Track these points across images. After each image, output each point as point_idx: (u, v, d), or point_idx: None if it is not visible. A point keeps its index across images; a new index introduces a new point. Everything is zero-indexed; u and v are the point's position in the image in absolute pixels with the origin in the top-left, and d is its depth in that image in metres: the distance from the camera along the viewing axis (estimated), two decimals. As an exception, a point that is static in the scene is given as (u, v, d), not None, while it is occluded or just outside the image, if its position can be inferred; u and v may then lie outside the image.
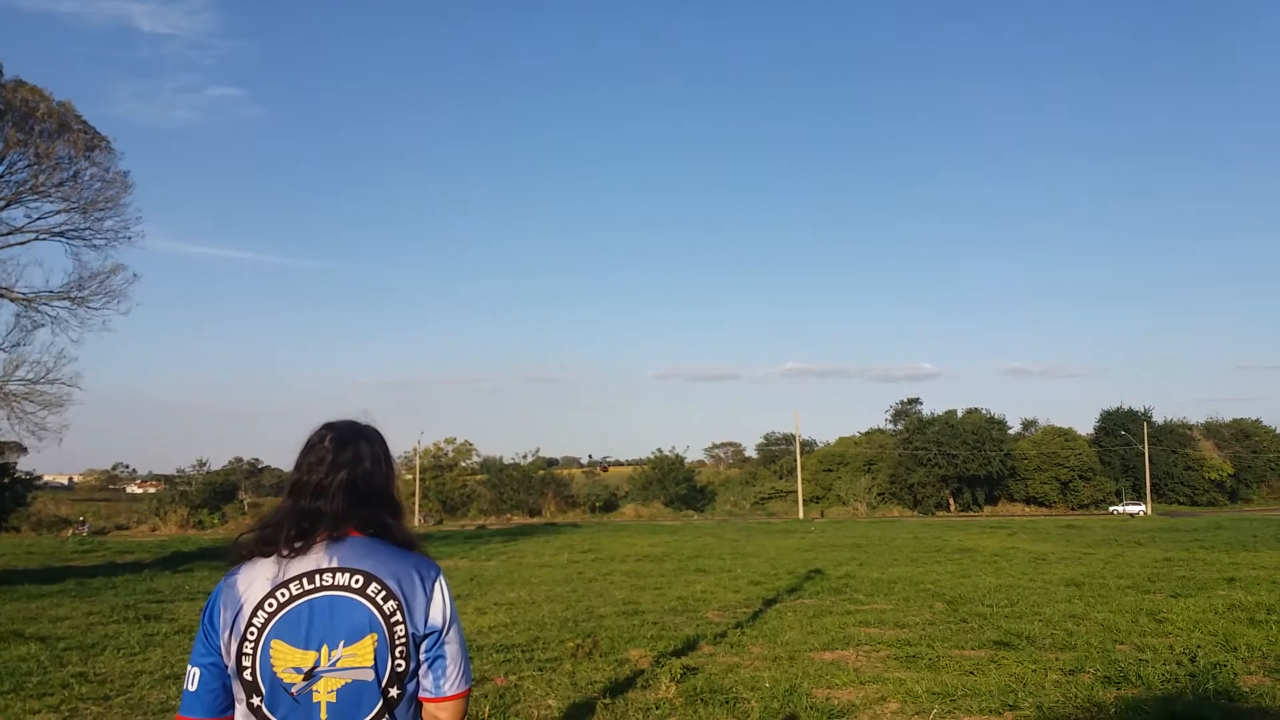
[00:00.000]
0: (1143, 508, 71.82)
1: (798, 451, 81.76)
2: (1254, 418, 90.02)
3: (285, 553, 2.08)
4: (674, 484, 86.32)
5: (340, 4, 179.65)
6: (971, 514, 76.74)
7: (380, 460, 2.25)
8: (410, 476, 79.42)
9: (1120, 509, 71.56)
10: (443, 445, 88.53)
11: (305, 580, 2.06)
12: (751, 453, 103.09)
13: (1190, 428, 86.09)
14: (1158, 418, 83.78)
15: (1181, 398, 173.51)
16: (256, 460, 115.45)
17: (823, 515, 73.46)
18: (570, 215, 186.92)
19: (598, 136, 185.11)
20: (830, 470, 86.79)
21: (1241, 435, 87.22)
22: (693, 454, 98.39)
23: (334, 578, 2.07)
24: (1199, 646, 9.82)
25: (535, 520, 75.23)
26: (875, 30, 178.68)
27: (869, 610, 13.62)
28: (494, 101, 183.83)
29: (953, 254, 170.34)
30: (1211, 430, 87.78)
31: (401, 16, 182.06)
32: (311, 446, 2.22)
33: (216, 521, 75.48)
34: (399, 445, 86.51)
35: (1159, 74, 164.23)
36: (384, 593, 2.06)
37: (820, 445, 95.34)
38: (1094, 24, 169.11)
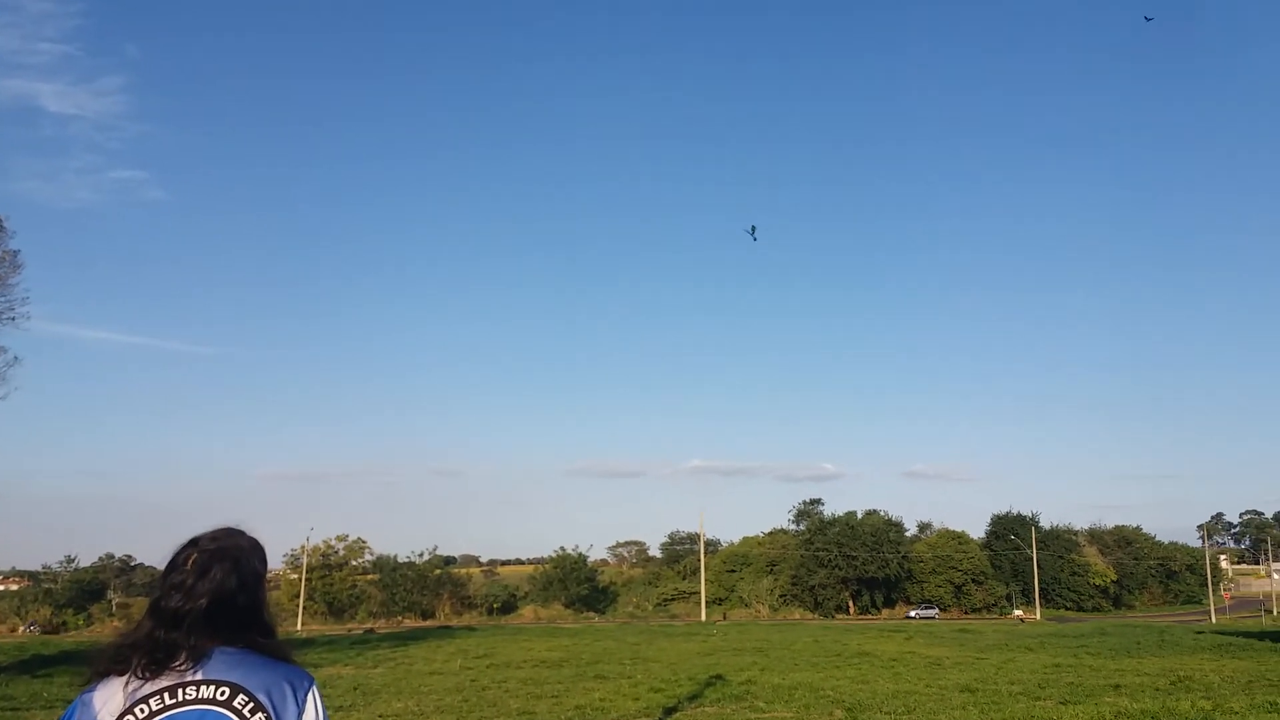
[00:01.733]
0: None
1: (702, 552, 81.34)
2: (1135, 524, 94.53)
3: (138, 673, 1.98)
4: (575, 584, 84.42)
5: (253, 92, 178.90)
6: (870, 616, 77.32)
7: (247, 584, 2.14)
8: (296, 577, 75.53)
9: (1020, 613, 74.36)
10: (333, 543, 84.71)
11: (167, 695, 1.96)
12: (655, 552, 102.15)
13: (1075, 533, 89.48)
14: (1045, 522, 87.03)
15: (1067, 503, 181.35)
16: (129, 557, 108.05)
17: (725, 617, 72.75)
18: (481, 307, 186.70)
19: (509, 226, 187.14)
20: (734, 571, 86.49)
21: (1123, 542, 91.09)
22: (596, 553, 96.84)
23: (198, 690, 1.97)
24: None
25: (429, 623, 72.17)
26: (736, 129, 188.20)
27: (769, 718, 13.36)
28: (395, 192, 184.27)
29: (855, 357, 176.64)
30: (1095, 536, 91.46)
31: (313, 108, 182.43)
32: (173, 567, 2.11)
33: (81, 622, 69.96)
34: (286, 543, 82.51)
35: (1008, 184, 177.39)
36: (251, 704, 1.97)
37: (724, 545, 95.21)
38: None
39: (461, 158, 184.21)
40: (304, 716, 2.04)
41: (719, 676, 19.94)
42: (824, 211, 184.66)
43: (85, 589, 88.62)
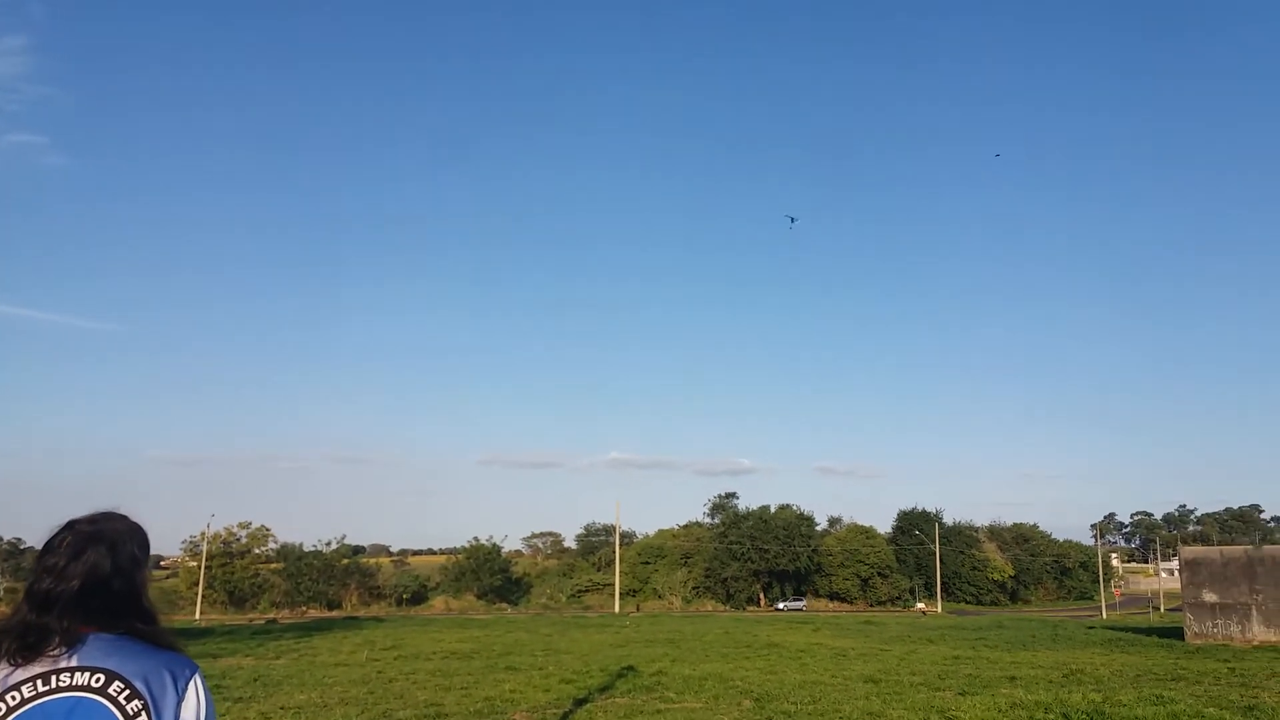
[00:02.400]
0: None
1: (617, 543, 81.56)
2: (1032, 522, 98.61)
3: (11, 661, 1.93)
4: (489, 575, 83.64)
5: (161, 57, 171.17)
6: (780, 609, 78.80)
7: (124, 569, 2.06)
8: (195, 564, 72.77)
9: (922, 606, 76.51)
10: (235, 530, 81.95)
11: (40, 682, 1.91)
12: (571, 543, 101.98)
13: (976, 530, 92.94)
14: (948, 519, 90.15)
15: (968, 499, 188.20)
16: (18, 540, 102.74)
17: (639, 609, 73.15)
18: (395, 293, 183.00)
19: (428, 215, 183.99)
20: (648, 563, 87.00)
21: (1021, 539, 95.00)
22: (510, 543, 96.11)
23: (72, 678, 1.92)
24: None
25: (335, 614, 70.49)
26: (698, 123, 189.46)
27: (679, 709, 13.41)
28: (305, 164, 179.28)
29: (772, 355, 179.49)
30: (994, 533, 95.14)
31: (224, 78, 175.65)
32: (48, 550, 2.05)
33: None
34: (184, 529, 79.46)
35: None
36: (127, 691, 1.92)
37: (640, 537, 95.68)
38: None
39: (363, 129, 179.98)
40: (184, 705, 1.98)
41: (631, 668, 19.95)
42: (745, 209, 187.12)
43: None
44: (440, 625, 44.02)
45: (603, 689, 16.22)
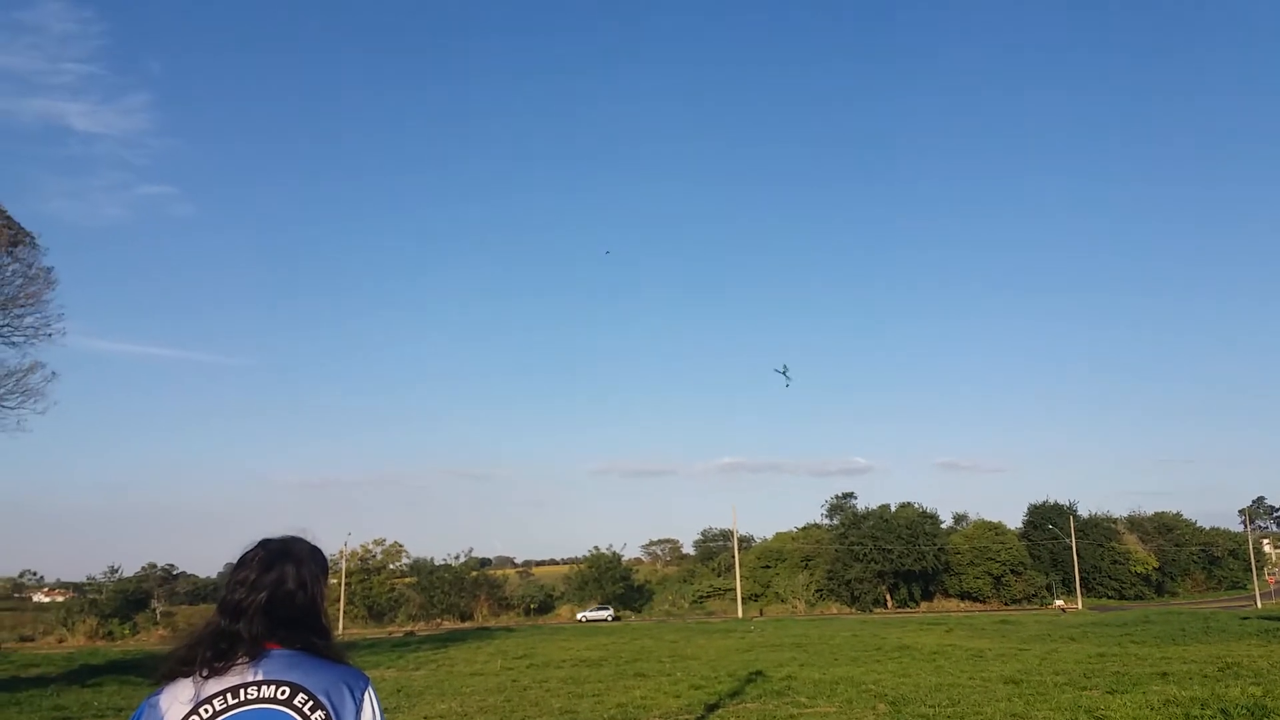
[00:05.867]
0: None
1: (735, 548, 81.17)
2: (1175, 511, 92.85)
3: (204, 673, 2.08)
4: (611, 583, 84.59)
5: (277, 103, 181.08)
6: (908, 610, 76.65)
7: (306, 583, 2.28)
8: (335, 581, 76.31)
9: (1061, 603, 72.97)
10: (371, 547, 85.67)
11: (229, 695, 2.06)
12: (689, 549, 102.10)
13: (1114, 521, 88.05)
14: (1082, 511, 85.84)
15: (1104, 490, 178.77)
16: (171, 566, 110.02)
17: (761, 614, 72.54)
18: (504, 312, 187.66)
19: (531, 236, 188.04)
20: (768, 567, 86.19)
21: (1164, 529, 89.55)
22: (630, 551, 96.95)
23: (259, 690, 2.07)
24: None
25: (467, 625, 72.64)
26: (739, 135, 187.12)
27: (813, 713, 13.34)
28: (415, 202, 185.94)
29: (882, 352, 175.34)
30: (1135, 524, 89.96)
31: (337, 119, 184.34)
32: (241, 564, 2.27)
33: (127, 632, 71.09)
34: (324, 548, 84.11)
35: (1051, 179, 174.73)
36: (311, 703, 2.06)
37: (758, 541, 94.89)
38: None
39: (486, 166, 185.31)
40: (361, 715, 2.13)
41: (759, 673, 19.91)
42: (844, 211, 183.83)
43: (130, 599, 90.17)
44: (568, 633, 44.86)
45: (733, 694, 16.27)
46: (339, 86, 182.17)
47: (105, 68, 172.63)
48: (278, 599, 2.20)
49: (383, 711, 2.20)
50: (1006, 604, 79.09)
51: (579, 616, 76.70)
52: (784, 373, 34.67)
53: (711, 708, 14.49)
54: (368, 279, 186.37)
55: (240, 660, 2.11)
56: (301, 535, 2.40)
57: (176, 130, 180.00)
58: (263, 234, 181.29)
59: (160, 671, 2.15)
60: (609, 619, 73.51)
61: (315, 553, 2.38)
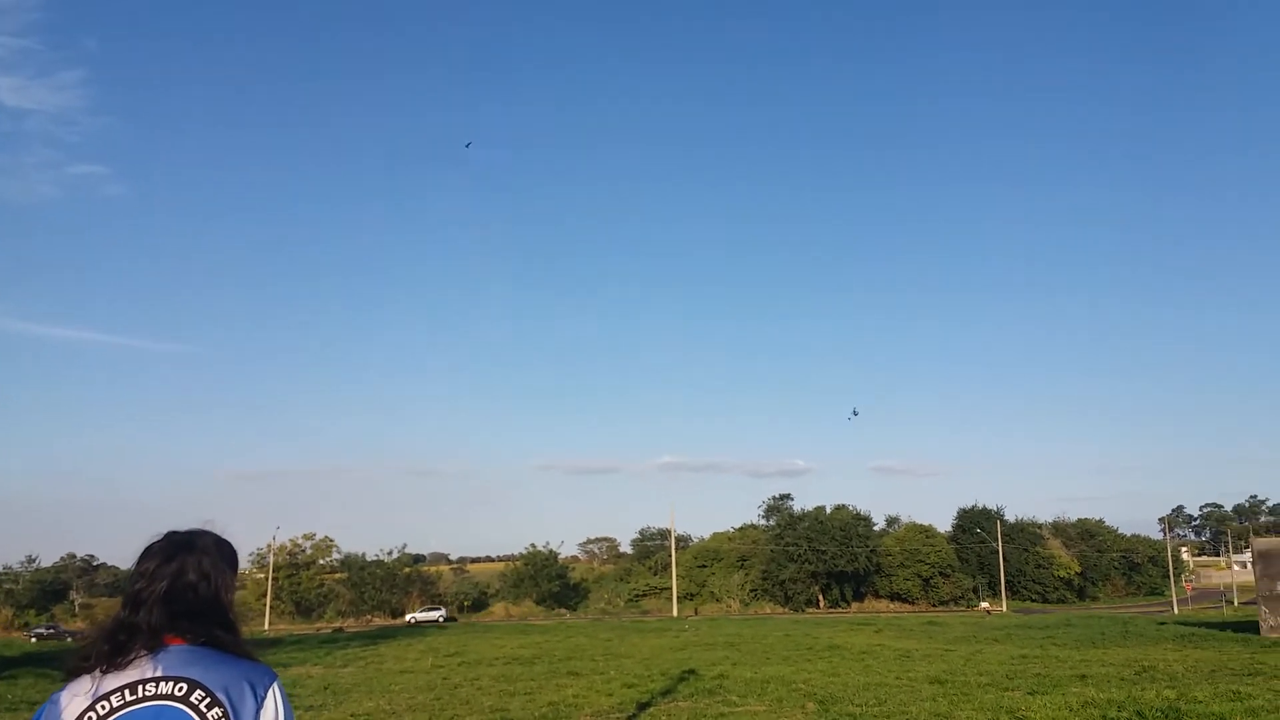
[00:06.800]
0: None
1: (673, 547, 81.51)
2: (1098, 517, 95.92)
3: (103, 668, 2.04)
4: (546, 581, 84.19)
5: (214, 83, 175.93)
6: (840, 610, 77.91)
7: (210, 575, 2.24)
8: (262, 576, 74.57)
9: (986, 605, 74.79)
10: (300, 541, 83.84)
11: (127, 691, 2.01)
12: (627, 548, 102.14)
13: (1040, 526, 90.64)
14: (1009, 516, 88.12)
15: (1032, 496, 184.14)
16: (91, 557, 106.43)
17: (696, 613, 73.00)
18: (452, 306, 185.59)
19: (479, 228, 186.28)
20: (704, 566, 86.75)
21: (1087, 534, 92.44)
22: (567, 549, 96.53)
23: (157, 687, 2.02)
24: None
25: (398, 621, 71.62)
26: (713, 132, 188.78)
27: (742, 712, 13.41)
28: (364, 190, 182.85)
29: (823, 355, 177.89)
30: (1059, 529, 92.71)
31: (276, 101, 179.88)
32: (145, 555, 2.23)
33: (44, 623, 68.68)
34: (252, 542, 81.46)
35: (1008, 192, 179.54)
36: (208, 700, 2.01)
37: (695, 541, 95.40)
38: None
39: (435, 155, 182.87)
40: (263, 712, 2.06)
41: (692, 671, 19.98)
42: (796, 213, 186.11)
43: (47, 589, 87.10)
44: (501, 631, 44.52)
45: (665, 693, 16.28)
46: (280, 69, 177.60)
47: (40, 42, 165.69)
48: (177, 590, 2.15)
49: (289, 710, 2.13)
50: (934, 605, 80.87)
51: (408, 618, 73.51)
52: (855, 415, 38.22)
53: (643, 706, 14.48)
54: (311, 269, 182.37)
55: (139, 654, 2.05)
56: (208, 527, 2.34)
57: (111, 109, 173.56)
58: (199, 218, 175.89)
59: (66, 666, 2.10)
60: (440, 620, 71.06)
61: (221, 544, 2.32)
